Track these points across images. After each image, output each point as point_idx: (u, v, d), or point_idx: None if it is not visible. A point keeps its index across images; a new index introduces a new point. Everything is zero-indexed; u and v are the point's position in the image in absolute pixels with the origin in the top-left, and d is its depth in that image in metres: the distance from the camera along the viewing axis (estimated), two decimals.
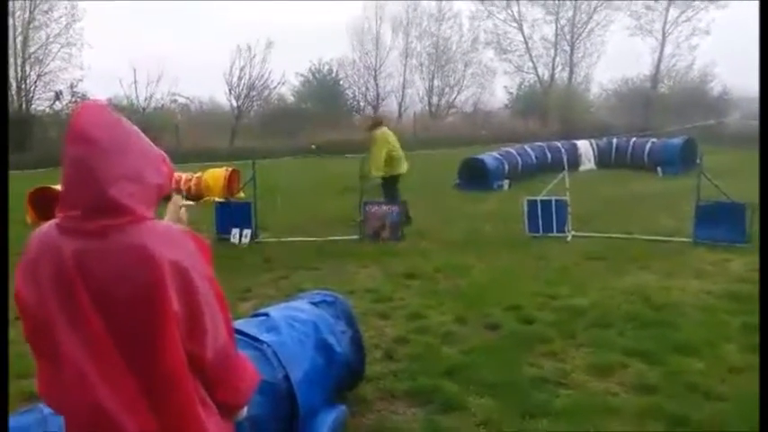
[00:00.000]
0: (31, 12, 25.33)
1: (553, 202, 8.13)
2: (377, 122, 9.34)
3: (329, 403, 3.08)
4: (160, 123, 28.23)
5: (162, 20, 47.12)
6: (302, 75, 35.38)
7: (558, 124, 28.21)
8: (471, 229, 8.65)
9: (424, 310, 5.01)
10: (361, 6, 54.71)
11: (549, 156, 14.51)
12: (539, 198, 8.22)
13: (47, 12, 25.92)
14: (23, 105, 25.57)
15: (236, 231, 8.03)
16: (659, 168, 14.47)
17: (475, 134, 28.54)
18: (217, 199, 11.03)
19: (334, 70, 36.81)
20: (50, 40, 26.02)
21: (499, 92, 37.45)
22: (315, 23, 45.63)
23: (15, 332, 4.23)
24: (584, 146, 15.68)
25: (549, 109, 30.10)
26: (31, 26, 25.47)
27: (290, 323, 3.02)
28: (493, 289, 5.58)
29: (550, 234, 8.01)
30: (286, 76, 32.52)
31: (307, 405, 2.84)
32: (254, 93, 30.17)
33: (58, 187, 10.16)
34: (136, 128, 1.57)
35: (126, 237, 1.43)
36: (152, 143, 1.61)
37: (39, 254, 1.48)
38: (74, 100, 26.19)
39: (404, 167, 9.12)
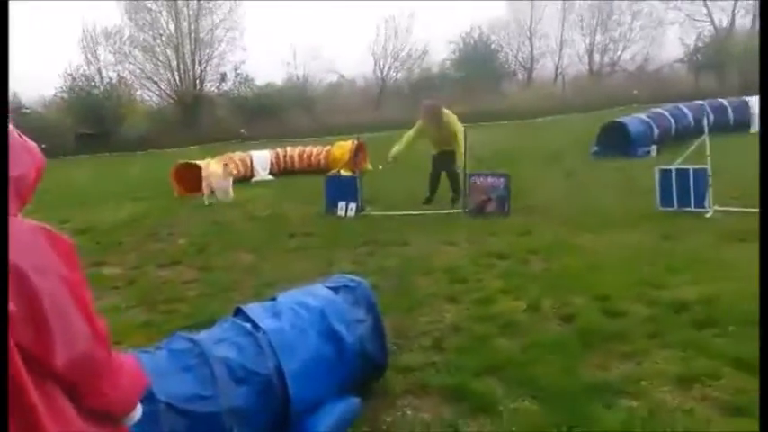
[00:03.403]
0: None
1: (690, 172, 7.01)
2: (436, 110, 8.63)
3: (338, 395, 2.92)
4: (315, 99, 29.63)
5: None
6: (452, 41, 34.81)
7: (738, 80, 24.47)
8: (595, 203, 7.82)
9: (498, 294, 4.59)
10: None
11: (710, 116, 12.57)
12: (673, 167, 7.15)
13: None
14: (196, 86, 28.45)
15: (342, 204, 8.12)
16: None
17: (637, 94, 25.89)
18: (343, 172, 11.30)
19: (485, 33, 35.63)
20: (216, 25, 28.49)
21: (670, 45, 33.50)
22: None
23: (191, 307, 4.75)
24: (758, 103, 13.33)
25: (727, 62, 26.15)
26: (200, 13, 28.04)
27: (294, 310, 2.89)
28: (588, 274, 4.94)
29: (687, 209, 6.95)
30: (436, 42, 32.32)
31: (304, 397, 2.71)
32: (398, 63, 30.34)
33: (200, 162, 11.14)
34: None
35: None
36: (17, 132, 1.54)
37: None
38: (238, 81, 28.58)
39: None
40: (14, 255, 1.40)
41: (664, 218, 6.81)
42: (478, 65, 33.90)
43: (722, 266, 5.01)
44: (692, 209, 6.92)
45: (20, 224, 1.49)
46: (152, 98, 31.18)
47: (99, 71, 29.31)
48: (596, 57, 37.36)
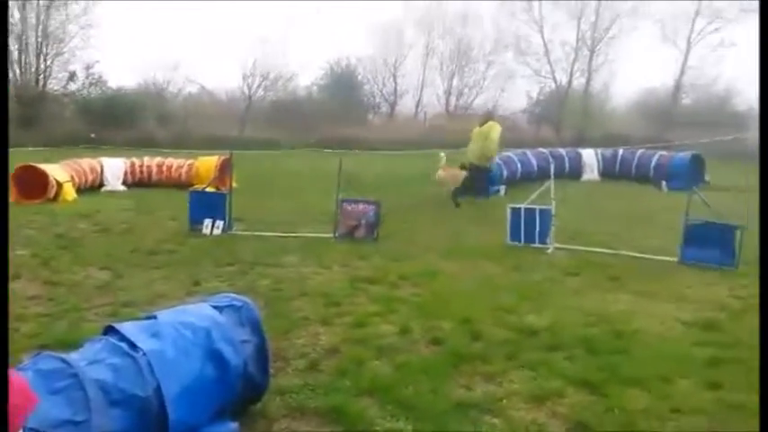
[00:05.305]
0: None
1: (537, 211, 7.81)
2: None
3: (218, 420, 2.84)
4: (173, 108, 28.20)
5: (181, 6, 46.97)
6: (321, 68, 35.29)
7: (571, 132, 27.63)
8: (452, 234, 8.37)
9: (370, 318, 4.75)
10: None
11: (551, 163, 14.11)
12: (522, 206, 7.91)
13: None
14: (39, 83, 25.71)
15: (208, 222, 7.85)
16: (664, 183, 14.01)
17: None
18: (208, 189, 10.89)
19: (353, 64, 36.62)
20: (69, 20, 26.10)
21: (518, 96, 36.88)
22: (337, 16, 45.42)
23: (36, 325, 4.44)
24: (589, 155, 15.26)
25: (563, 116, 29.47)
26: (53, 4, 25.52)
27: (178, 329, 2.78)
28: (451, 300, 5.29)
29: (532, 245, 7.70)
30: (304, 67, 32.57)
31: (184, 422, 2.60)
32: (268, 83, 30.08)
33: (44, 166, 10.14)
34: None
35: None
36: None
37: None
38: (89, 81, 26.38)
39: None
40: None
41: (512, 251, 7.48)
42: (345, 93, 34.66)
43: (560, 295, 5.65)
44: (536, 245, 7.68)
45: None
46: None
47: None
48: (452, 99, 39.88)
